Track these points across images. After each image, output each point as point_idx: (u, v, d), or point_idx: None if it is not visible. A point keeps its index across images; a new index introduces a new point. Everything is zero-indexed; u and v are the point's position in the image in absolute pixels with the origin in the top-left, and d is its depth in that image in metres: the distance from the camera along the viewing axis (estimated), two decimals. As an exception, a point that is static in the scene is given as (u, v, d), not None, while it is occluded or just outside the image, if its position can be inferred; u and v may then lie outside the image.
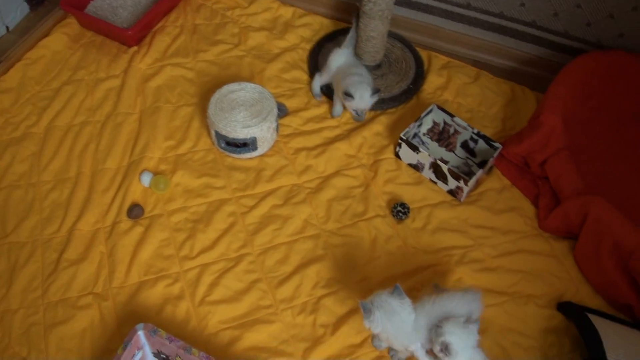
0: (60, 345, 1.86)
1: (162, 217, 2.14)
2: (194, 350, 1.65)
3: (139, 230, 2.10)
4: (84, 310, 1.92)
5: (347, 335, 1.90)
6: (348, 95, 2.23)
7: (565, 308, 1.98)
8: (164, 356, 1.73)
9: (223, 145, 2.27)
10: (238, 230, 2.12)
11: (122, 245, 2.06)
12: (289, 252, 2.08)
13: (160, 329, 1.69)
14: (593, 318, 1.86)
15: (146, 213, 2.15)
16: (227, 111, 2.25)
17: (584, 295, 2.03)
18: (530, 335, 1.94)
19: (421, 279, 2.01)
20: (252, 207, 2.18)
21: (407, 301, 1.67)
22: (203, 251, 2.07)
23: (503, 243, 2.14)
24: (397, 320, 1.65)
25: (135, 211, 2.12)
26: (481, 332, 1.89)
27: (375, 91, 2.25)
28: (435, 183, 2.27)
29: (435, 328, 1.63)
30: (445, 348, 1.58)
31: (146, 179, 2.19)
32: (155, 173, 2.24)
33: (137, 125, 2.40)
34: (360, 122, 2.45)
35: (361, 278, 2.02)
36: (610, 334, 1.79)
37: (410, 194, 2.25)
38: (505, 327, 1.95)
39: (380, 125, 2.44)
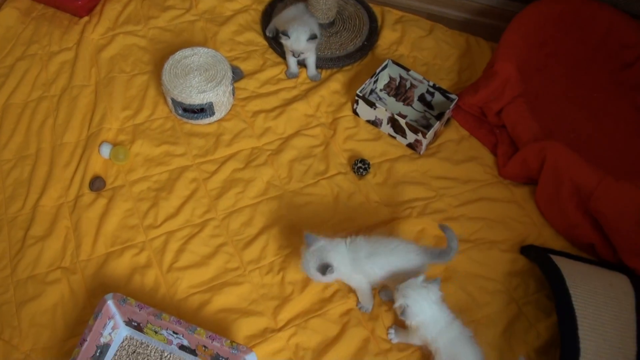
0: (33, 321, 1.86)
1: (124, 187, 2.14)
2: (164, 315, 1.67)
3: (102, 202, 2.10)
4: (54, 285, 1.93)
5: (315, 291, 1.94)
6: (284, 34, 2.27)
7: (528, 251, 2.03)
8: (136, 323, 1.75)
9: (180, 112, 2.26)
10: (201, 196, 2.13)
11: (86, 218, 2.06)
12: (253, 214, 2.10)
13: (129, 298, 1.71)
14: (555, 258, 1.92)
15: (108, 185, 2.15)
16: (182, 77, 2.24)
17: (547, 238, 2.09)
18: (495, 279, 1.99)
19: (384, 232, 2.04)
20: (214, 173, 2.19)
21: (320, 241, 1.76)
22: (167, 219, 2.08)
23: (464, 192, 2.18)
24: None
25: (97, 183, 2.12)
26: (446, 279, 1.96)
27: (313, 37, 2.28)
28: (394, 138, 2.30)
29: (395, 291, 1.69)
30: (402, 312, 1.66)
31: (105, 151, 2.19)
32: (115, 144, 2.23)
33: (93, 97, 2.38)
34: (317, 81, 2.46)
35: (326, 235, 2.03)
36: (573, 272, 1.85)
37: (370, 150, 2.27)
38: (470, 273, 1.99)
39: (337, 83, 2.44)
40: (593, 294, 1.78)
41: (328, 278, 1.74)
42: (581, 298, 1.76)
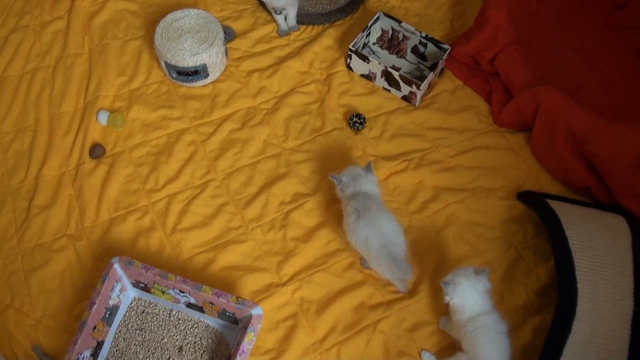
0: (42, 287, 1.90)
1: (124, 153, 2.16)
2: (170, 275, 1.71)
3: (103, 169, 2.12)
4: (60, 252, 1.96)
5: (318, 246, 1.97)
6: None
7: (525, 197, 2.05)
8: (143, 285, 1.79)
9: (175, 75, 2.27)
10: (200, 158, 2.15)
11: (88, 185, 2.09)
12: (252, 173, 2.12)
13: (135, 260, 1.74)
14: (552, 203, 1.94)
15: (108, 151, 2.16)
16: (174, 40, 2.24)
17: (543, 183, 2.11)
18: (494, 226, 2.01)
19: (383, 186, 2.06)
20: (211, 134, 2.20)
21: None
22: (168, 182, 2.10)
23: (460, 142, 2.19)
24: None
25: (97, 151, 2.13)
26: (445, 227, 1.97)
27: None
28: (388, 91, 2.30)
29: (446, 282, 1.67)
30: (448, 291, 1.66)
31: (103, 118, 2.20)
32: (112, 111, 2.24)
33: (88, 65, 2.38)
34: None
35: (325, 190, 2.07)
36: (568, 214, 1.87)
37: (365, 104, 2.27)
38: (469, 221, 2.02)
39: (329, 38, 2.43)
40: (589, 235, 1.80)
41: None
42: (578, 240, 1.78)
